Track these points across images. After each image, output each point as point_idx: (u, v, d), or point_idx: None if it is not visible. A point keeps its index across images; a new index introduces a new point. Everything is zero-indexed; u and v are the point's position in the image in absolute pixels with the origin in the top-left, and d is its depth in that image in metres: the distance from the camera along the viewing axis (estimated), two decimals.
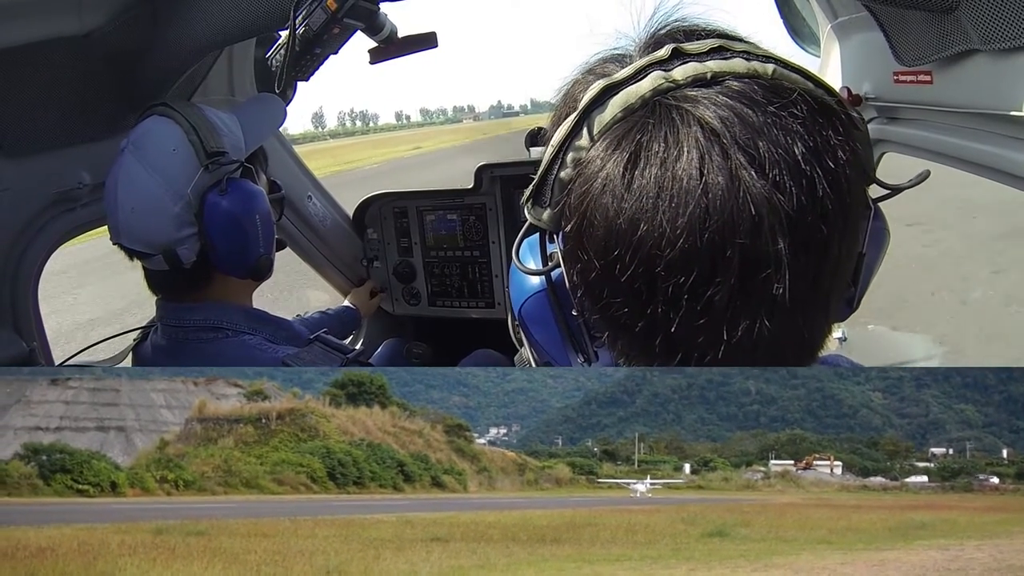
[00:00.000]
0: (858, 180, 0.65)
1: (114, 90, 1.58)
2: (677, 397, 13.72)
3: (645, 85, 0.64)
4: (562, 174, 0.68)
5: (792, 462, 10.05)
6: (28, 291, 1.62)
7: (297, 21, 1.35)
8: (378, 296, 2.85)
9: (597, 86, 0.66)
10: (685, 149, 0.60)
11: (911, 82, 1.34)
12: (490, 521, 4.18)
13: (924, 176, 0.75)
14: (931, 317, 6.51)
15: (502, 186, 2.66)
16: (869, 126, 1.61)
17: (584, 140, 0.66)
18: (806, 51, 1.89)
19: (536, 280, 0.79)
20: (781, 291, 0.60)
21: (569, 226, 0.68)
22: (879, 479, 9.67)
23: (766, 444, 10.96)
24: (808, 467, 9.93)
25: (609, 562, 3.04)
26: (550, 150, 0.70)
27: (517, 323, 0.86)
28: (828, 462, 10.08)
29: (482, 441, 9.60)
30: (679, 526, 4.23)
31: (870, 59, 1.51)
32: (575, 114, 0.67)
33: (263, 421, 6.71)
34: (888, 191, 0.75)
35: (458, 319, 2.92)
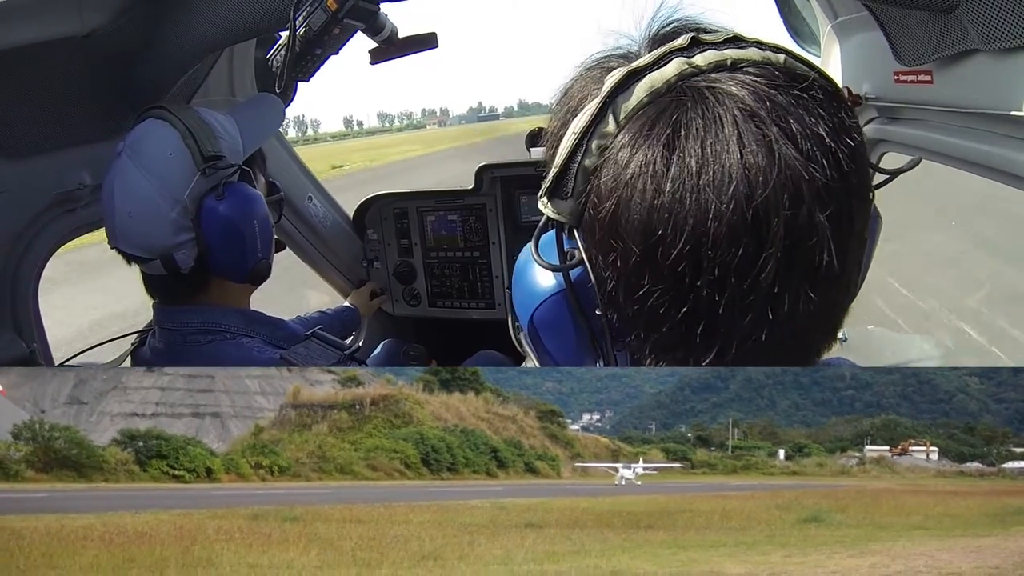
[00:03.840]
0: (867, 162, 0.67)
1: (115, 91, 1.58)
2: (771, 383, 13.60)
3: (670, 70, 0.64)
4: (587, 162, 0.67)
5: (887, 448, 9.94)
6: (28, 292, 1.62)
7: (297, 22, 1.35)
8: (378, 297, 2.85)
9: (619, 72, 0.66)
10: (724, 126, 0.60)
11: (911, 82, 1.33)
12: (584, 507, 4.18)
13: (916, 162, 0.77)
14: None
15: (502, 187, 2.66)
16: (870, 126, 1.62)
17: (610, 126, 0.66)
18: (806, 51, 1.89)
19: (550, 283, 0.75)
20: (826, 262, 0.61)
21: (601, 213, 0.66)
22: (976, 465, 9.55)
23: (861, 430, 10.84)
24: (904, 453, 9.80)
25: (704, 548, 3.04)
26: (571, 138, 0.68)
27: (522, 331, 0.81)
28: (924, 448, 9.97)
29: (575, 427, 9.59)
30: (774, 512, 4.20)
31: (870, 59, 1.51)
32: (598, 101, 0.66)
33: (357, 407, 6.79)
34: (886, 176, 0.77)
35: (458, 320, 2.92)
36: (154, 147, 1.39)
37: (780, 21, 1.93)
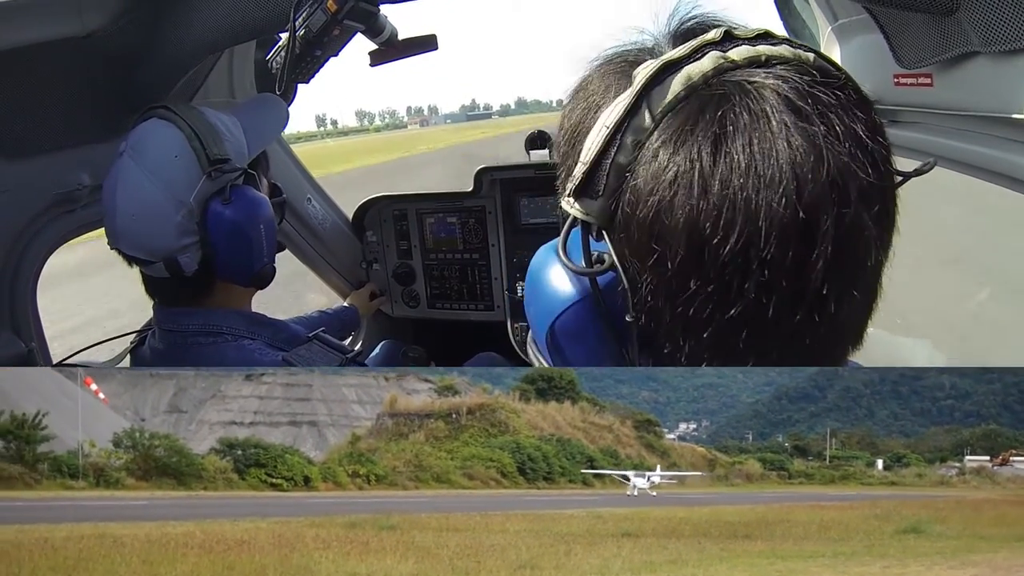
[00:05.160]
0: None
1: (114, 91, 1.58)
2: (869, 392, 13.43)
3: (706, 64, 0.62)
4: (620, 158, 0.63)
5: (988, 458, 9.66)
6: (27, 292, 1.62)
7: (297, 23, 1.35)
8: (378, 299, 2.85)
9: (653, 64, 0.63)
10: (771, 121, 0.59)
11: (911, 85, 1.33)
12: (681, 517, 4.15)
13: (932, 164, 0.75)
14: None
15: (502, 189, 2.66)
16: None
17: (645, 120, 0.62)
18: None
19: (570, 289, 0.70)
20: (872, 263, 0.60)
21: (642, 213, 0.62)
22: None
23: (961, 440, 10.57)
24: (1005, 463, 9.48)
25: (802, 558, 3.02)
26: (602, 133, 0.64)
27: (537, 341, 0.76)
28: None
29: (672, 436, 9.45)
30: (872, 523, 4.15)
31: (870, 62, 1.51)
32: (631, 93, 0.63)
33: (453, 416, 6.77)
34: (903, 177, 0.76)
35: (457, 321, 2.92)
36: (159, 148, 1.38)
37: (780, 23, 1.93)
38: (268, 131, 1.60)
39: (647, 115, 0.62)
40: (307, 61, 1.49)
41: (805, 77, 0.61)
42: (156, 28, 1.46)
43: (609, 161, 0.64)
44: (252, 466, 5.27)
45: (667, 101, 0.62)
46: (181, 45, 1.48)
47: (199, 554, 2.59)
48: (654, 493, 6.02)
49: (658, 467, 6.78)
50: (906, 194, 0.67)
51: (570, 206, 0.67)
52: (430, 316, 2.96)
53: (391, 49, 1.56)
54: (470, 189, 2.69)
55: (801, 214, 0.57)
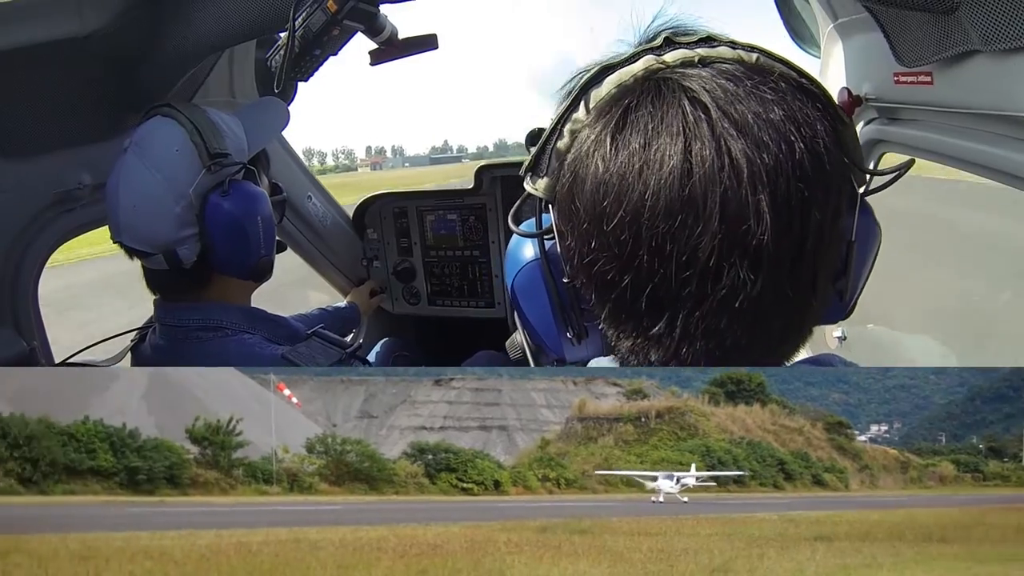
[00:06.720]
0: (838, 155, 0.69)
1: (114, 91, 1.58)
2: None
3: (638, 66, 0.71)
4: (559, 144, 0.75)
5: None
6: (28, 291, 1.63)
7: (297, 23, 1.35)
8: (378, 296, 2.85)
9: (594, 68, 0.74)
10: (671, 112, 0.66)
11: (911, 83, 1.33)
12: (874, 519, 4.10)
13: (909, 164, 0.79)
14: None
15: (502, 186, 2.66)
16: (870, 127, 1.62)
17: (581, 114, 0.73)
18: (807, 52, 1.88)
19: (529, 254, 0.84)
20: (764, 243, 0.63)
21: (562, 186, 0.74)
22: None
23: None
24: None
25: (1001, 562, 2.97)
26: (549, 125, 0.76)
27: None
28: None
29: (863, 438, 9.35)
30: None
31: (870, 60, 1.51)
32: (573, 91, 0.74)
33: (642, 420, 6.78)
34: (888, 178, 0.77)
35: (458, 318, 2.93)
36: (161, 143, 1.40)
37: (781, 23, 1.93)
38: (268, 129, 1.62)
39: (583, 109, 0.73)
40: (307, 60, 1.49)
41: (726, 73, 0.67)
42: (156, 28, 1.46)
43: (551, 146, 0.76)
44: (443, 470, 5.38)
45: (600, 98, 0.72)
46: (181, 45, 1.48)
47: (392, 558, 2.62)
48: (685, 499, 5.13)
49: (692, 466, 5.89)
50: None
51: (526, 182, 0.81)
52: (430, 313, 2.97)
53: (391, 48, 1.55)
54: (471, 186, 2.69)
55: (687, 192, 0.64)
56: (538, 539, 3.07)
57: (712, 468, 6.20)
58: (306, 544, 2.75)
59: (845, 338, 2.34)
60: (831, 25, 1.66)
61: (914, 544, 3.34)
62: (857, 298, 0.82)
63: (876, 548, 3.17)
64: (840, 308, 0.79)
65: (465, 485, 5.34)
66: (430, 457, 5.41)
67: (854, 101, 1.58)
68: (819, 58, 1.76)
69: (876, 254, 0.82)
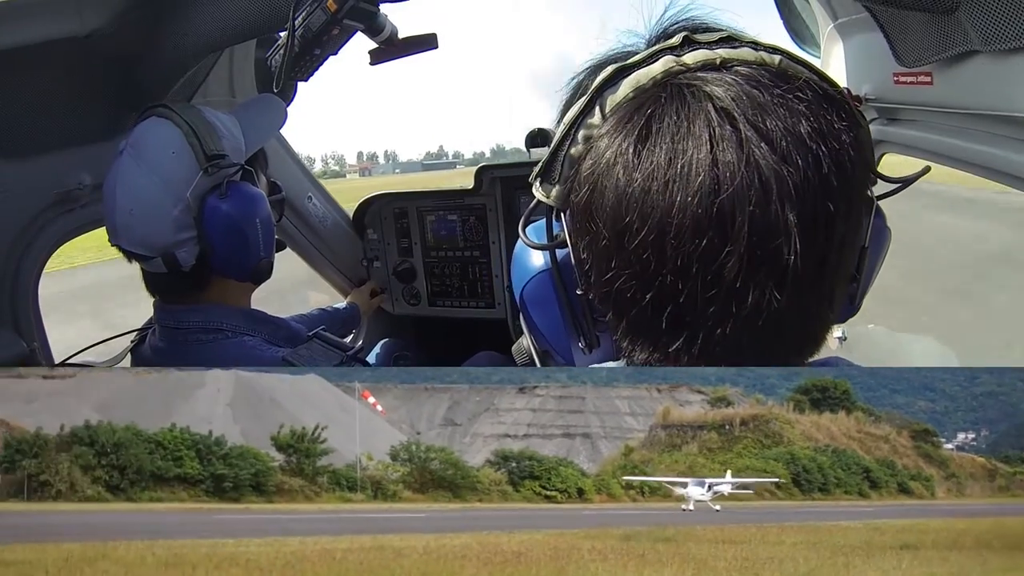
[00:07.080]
0: (862, 167, 0.67)
1: (114, 91, 1.58)
2: None
3: (656, 67, 0.67)
4: (573, 150, 0.71)
5: None
6: (28, 291, 1.63)
7: (297, 22, 1.35)
8: (378, 296, 2.85)
9: (609, 69, 0.69)
10: (697, 123, 0.62)
11: (911, 83, 1.33)
12: (961, 528, 4.03)
13: (925, 171, 0.77)
14: None
15: (502, 187, 2.66)
16: (870, 127, 1.61)
17: (596, 118, 0.69)
18: (807, 52, 1.88)
19: (539, 262, 0.80)
20: (791, 262, 0.61)
21: (579, 197, 0.70)
22: None
23: None
24: None
25: None
26: (561, 128, 0.72)
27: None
28: None
29: (950, 446, 9.24)
30: None
31: (870, 60, 1.51)
32: (588, 94, 0.70)
33: (727, 427, 6.74)
34: (897, 185, 0.76)
35: (458, 319, 2.93)
36: (157, 145, 1.39)
37: (780, 23, 1.93)
38: (266, 129, 1.61)
39: (598, 113, 0.69)
40: (306, 60, 1.49)
41: (752, 79, 0.64)
42: (156, 28, 1.46)
43: (564, 152, 0.72)
44: (526, 478, 5.39)
45: (616, 102, 0.68)
46: (181, 44, 1.48)
47: (477, 566, 2.62)
48: (717, 507, 5.04)
49: (728, 472, 5.79)
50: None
51: (535, 189, 0.76)
52: (431, 314, 2.96)
53: (391, 48, 1.55)
54: (471, 187, 2.69)
55: (715, 210, 0.61)
56: (622, 547, 3.07)
57: (797, 476, 6.18)
58: (390, 552, 2.75)
59: (845, 338, 2.34)
60: (831, 25, 1.66)
61: (1001, 553, 3.30)
62: (864, 296, 0.81)
63: (963, 557, 3.15)
64: (849, 310, 0.79)
65: (549, 493, 5.34)
66: (514, 465, 5.43)
67: (854, 101, 1.58)
68: (819, 58, 1.76)
69: (885, 255, 0.81)
